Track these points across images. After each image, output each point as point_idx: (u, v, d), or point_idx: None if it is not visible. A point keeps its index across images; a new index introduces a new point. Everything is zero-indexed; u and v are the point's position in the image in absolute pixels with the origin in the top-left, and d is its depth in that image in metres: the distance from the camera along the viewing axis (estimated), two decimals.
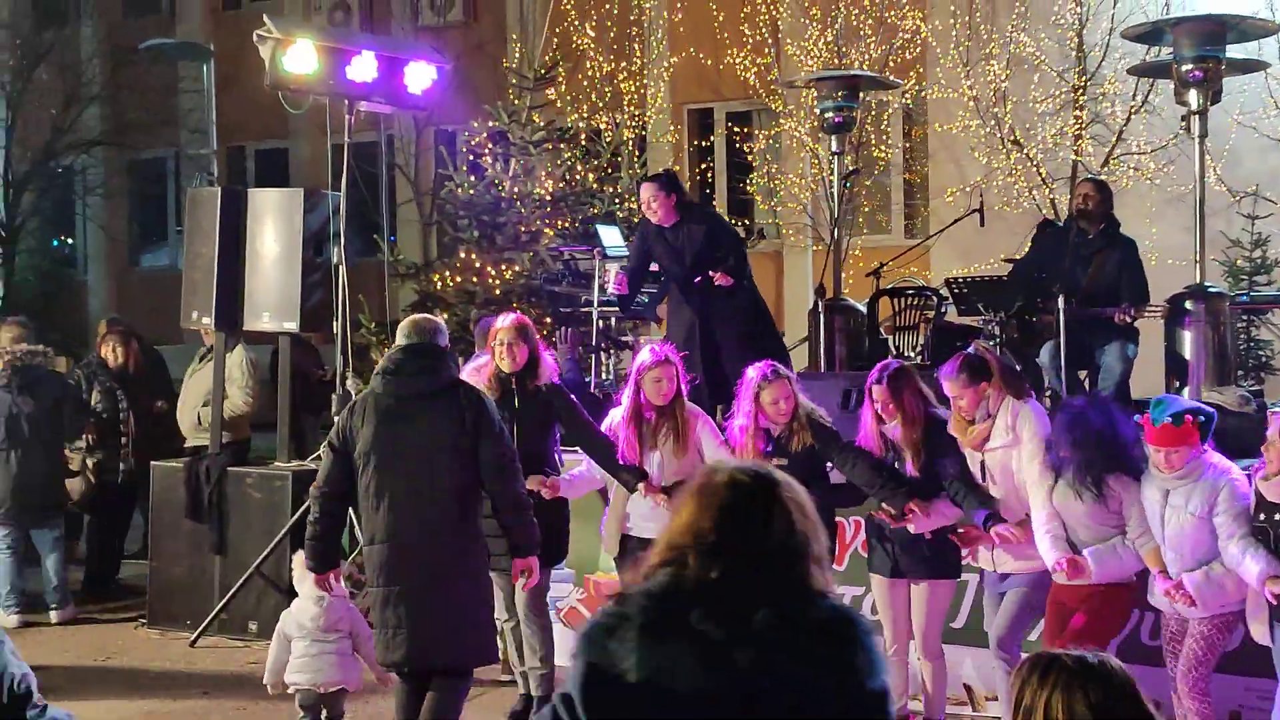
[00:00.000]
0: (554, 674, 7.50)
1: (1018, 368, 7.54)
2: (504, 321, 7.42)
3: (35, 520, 10.05)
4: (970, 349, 7.28)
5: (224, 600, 9.31)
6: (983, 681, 7.54)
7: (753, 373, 7.27)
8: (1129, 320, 9.11)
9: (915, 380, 7.12)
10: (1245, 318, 12.16)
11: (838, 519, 7.69)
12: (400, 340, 6.48)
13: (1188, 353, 9.16)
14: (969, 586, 7.55)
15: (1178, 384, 9.17)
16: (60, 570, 10.09)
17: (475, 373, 7.46)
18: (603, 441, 7.41)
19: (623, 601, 2.94)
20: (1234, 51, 9.73)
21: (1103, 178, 11.88)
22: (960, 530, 7.02)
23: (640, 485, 7.21)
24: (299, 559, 7.03)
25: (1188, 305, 9.20)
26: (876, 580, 7.27)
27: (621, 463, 7.30)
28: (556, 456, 7.73)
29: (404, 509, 6.25)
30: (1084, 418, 6.63)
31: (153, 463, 10.08)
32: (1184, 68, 9.14)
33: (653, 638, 2.85)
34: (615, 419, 7.45)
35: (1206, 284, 9.51)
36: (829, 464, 7.31)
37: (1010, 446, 6.85)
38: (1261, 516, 6.14)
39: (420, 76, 9.98)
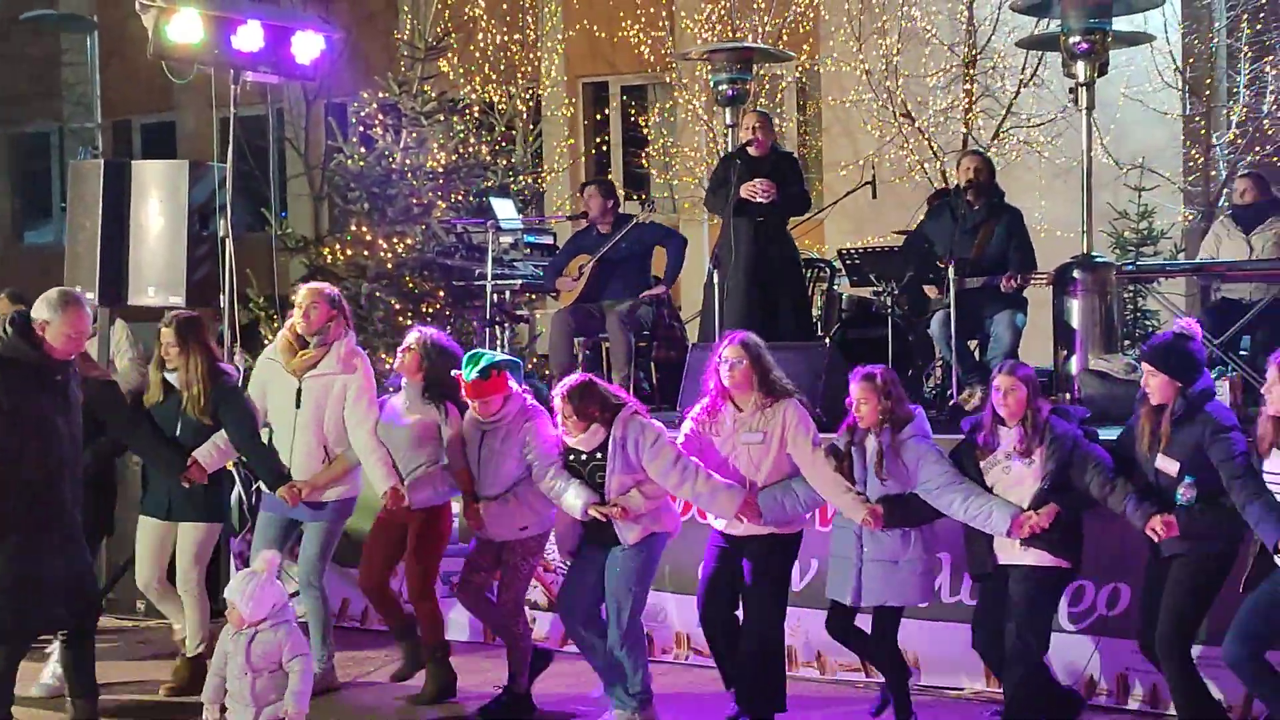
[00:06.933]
0: None
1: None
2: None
3: None
4: None
5: (111, 580, 9.14)
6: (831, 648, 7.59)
7: None
8: (1015, 287, 9.20)
9: (203, 330, 7.71)
10: (1132, 288, 12.33)
11: None
12: None
13: (1075, 322, 9.25)
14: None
15: (1065, 353, 9.27)
16: None
17: None
18: None
19: None
20: (1120, 25, 9.86)
21: (986, 150, 11.99)
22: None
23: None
24: None
25: (1075, 274, 9.28)
26: (150, 523, 7.83)
27: None
28: None
29: None
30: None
31: None
32: (1071, 39, 9.21)
33: None
34: None
35: (1094, 254, 9.61)
36: None
37: (336, 376, 7.47)
38: (571, 457, 6.94)
39: (308, 46, 9.80)
